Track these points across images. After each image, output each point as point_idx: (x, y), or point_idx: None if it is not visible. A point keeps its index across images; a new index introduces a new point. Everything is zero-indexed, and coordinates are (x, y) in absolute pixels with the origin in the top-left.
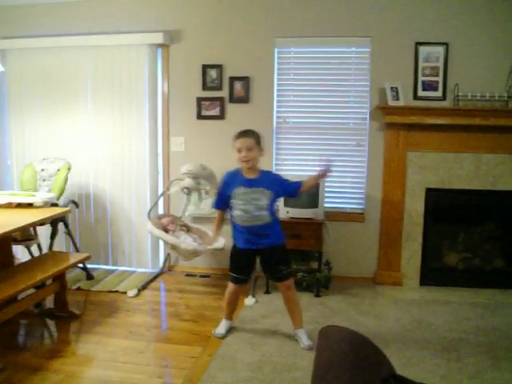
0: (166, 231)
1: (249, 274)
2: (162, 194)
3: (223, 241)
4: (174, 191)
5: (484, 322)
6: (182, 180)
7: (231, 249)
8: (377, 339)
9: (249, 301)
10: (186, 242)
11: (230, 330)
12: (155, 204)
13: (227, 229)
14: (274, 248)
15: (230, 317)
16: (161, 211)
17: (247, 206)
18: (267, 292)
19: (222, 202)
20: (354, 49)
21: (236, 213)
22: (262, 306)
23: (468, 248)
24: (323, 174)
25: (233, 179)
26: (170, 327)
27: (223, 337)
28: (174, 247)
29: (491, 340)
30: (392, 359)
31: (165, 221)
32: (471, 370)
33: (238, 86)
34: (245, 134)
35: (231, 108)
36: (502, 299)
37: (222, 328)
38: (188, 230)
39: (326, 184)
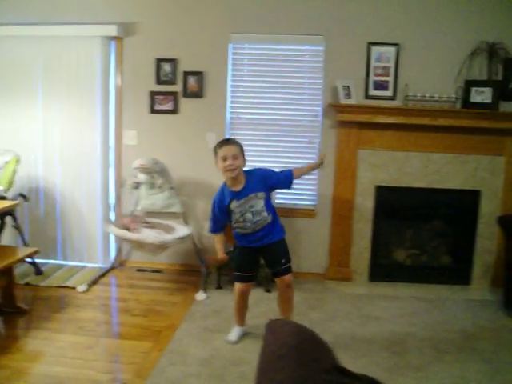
0: (129, 230)
1: (255, 270)
2: (116, 194)
3: (187, 229)
4: (127, 187)
5: (430, 316)
6: (135, 175)
7: (233, 250)
8: (326, 333)
9: (199, 296)
10: (150, 238)
11: (243, 335)
12: (114, 205)
13: (195, 217)
14: (276, 243)
15: (242, 323)
16: (113, 207)
17: (245, 214)
18: (219, 287)
19: (219, 226)
20: (307, 47)
21: (237, 225)
22: (212, 301)
23: (416, 245)
24: (318, 165)
25: (222, 198)
26: (120, 322)
27: (235, 343)
28: (140, 245)
29: (436, 334)
30: (340, 353)
31: (126, 220)
32: (416, 363)
33: (192, 80)
34: (228, 141)
35: (185, 103)
36: (447, 294)
37: (233, 335)
38: (151, 226)
39: None
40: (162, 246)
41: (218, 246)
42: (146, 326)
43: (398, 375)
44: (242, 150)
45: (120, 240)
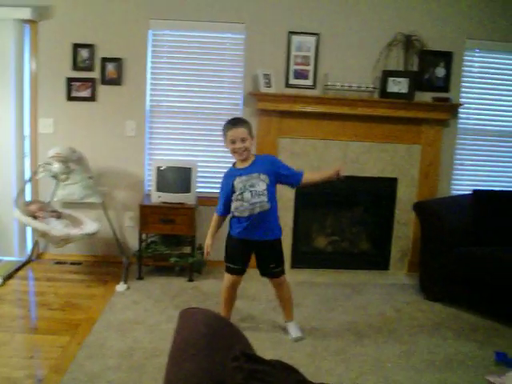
0: (35, 218)
1: (246, 263)
2: (29, 180)
3: (96, 225)
4: (41, 176)
5: (349, 301)
6: (50, 164)
7: (226, 239)
8: (247, 320)
9: (120, 287)
10: (57, 228)
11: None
12: (22, 190)
13: (114, 208)
14: (269, 243)
15: (229, 316)
16: (29, 197)
17: (244, 193)
18: (140, 278)
19: (226, 207)
20: (229, 35)
21: (235, 204)
22: (133, 292)
23: (336, 232)
24: (331, 176)
25: (228, 177)
26: (37, 317)
27: None
28: (43, 234)
29: (355, 318)
30: (262, 339)
31: (33, 207)
32: (336, 347)
33: (110, 67)
34: (236, 123)
35: (103, 90)
36: (366, 279)
37: None
38: (59, 216)
39: (199, 169)
40: (65, 240)
41: (209, 230)
42: (65, 320)
43: (318, 359)
44: (250, 131)
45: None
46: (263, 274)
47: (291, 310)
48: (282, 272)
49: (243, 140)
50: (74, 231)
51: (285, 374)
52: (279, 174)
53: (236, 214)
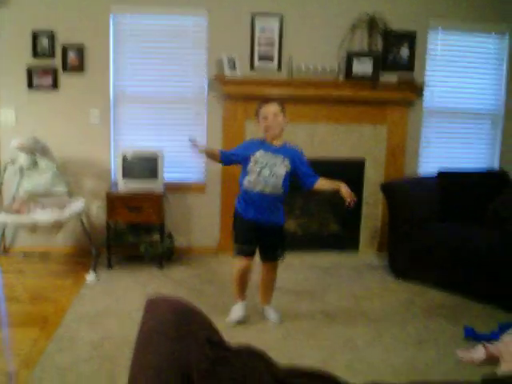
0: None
1: (256, 244)
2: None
3: (81, 202)
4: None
5: (321, 282)
6: (16, 158)
7: (233, 220)
8: (218, 306)
9: (90, 277)
10: (45, 216)
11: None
12: None
13: (82, 197)
14: (274, 228)
15: (243, 297)
16: None
17: (264, 169)
18: (109, 267)
19: (228, 156)
20: (191, 18)
21: (249, 177)
22: (103, 282)
23: (306, 214)
24: (336, 189)
25: (253, 144)
26: (5, 311)
27: (240, 322)
28: (33, 228)
29: (326, 299)
30: (233, 324)
31: (17, 205)
32: (307, 328)
33: (71, 54)
34: (269, 100)
35: (65, 78)
36: (336, 261)
37: (237, 312)
38: (42, 205)
39: (167, 156)
40: (57, 225)
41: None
42: (34, 313)
43: (290, 342)
44: (283, 109)
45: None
46: (264, 258)
47: (272, 294)
48: (281, 256)
49: (275, 115)
50: (63, 213)
51: (252, 359)
52: (298, 169)
53: (246, 185)
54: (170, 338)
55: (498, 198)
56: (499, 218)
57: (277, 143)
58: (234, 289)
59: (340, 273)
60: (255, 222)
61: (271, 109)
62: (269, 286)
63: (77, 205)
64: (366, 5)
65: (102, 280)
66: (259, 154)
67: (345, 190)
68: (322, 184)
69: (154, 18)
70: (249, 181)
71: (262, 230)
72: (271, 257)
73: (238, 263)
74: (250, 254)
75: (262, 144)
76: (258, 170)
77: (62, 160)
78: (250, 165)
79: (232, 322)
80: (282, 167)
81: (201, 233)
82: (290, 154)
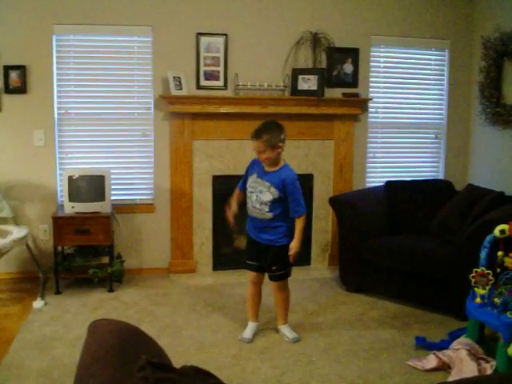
0: None
1: (261, 261)
2: None
3: (24, 230)
4: None
5: (272, 297)
6: None
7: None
8: (169, 327)
9: (37, 303)
10: None
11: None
12: None
13: (27, 221)
14: (271, 248)
15: (254, 318)
16: None
17: (252, 194)
18: (58, 292)
19: (243, 183)
20: (136, 38)
21: (247, 199)
22: (51, 308)
23: None
24: (290, 246)
25: (254, 164)
26: None
27: (250, 341)
28: None
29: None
30: (185, 344)
31: None
32: (260, 346)
33: (14, 75)
34: (255, 135)
35: (8, 99)
36: None
37: (247, 333)
38: None
39: (113, 176)
40: None
41: (231, 201)
42: None
43: (243, 360)
44: (269, 143)
45: None
46: (268, 277)
47: (286, 314)
48: (282, 277)
49: (260, 153)
50: (4, 241)
51: (196, 380)
52: (286, 197)
53: (247, 208)
54: (111, 363)
55: (444, 208)
56: (445, 228)
57: (272, 168)
58: (246, 306)
59: (292, 288)
60: (254, 240)
61: (256, 146)
62: (279, 305)
63: (20, 232)
64: (309, 22)
65: (50, 306)
66: (251, 180)
67: (292, 246)
68: (297, 230)
69: (97, 38)
70: (246, 203)
71: (261, 248)
72: (271, 276)
73: (248, 281)
74: (255, 270)
75: (259, 167)
76: (249, 194)
77: (6, 184)
78: (246, 186)
79: (240, 340)
80: (267, 194)
81: (151, 253)
82: (278, 182)
